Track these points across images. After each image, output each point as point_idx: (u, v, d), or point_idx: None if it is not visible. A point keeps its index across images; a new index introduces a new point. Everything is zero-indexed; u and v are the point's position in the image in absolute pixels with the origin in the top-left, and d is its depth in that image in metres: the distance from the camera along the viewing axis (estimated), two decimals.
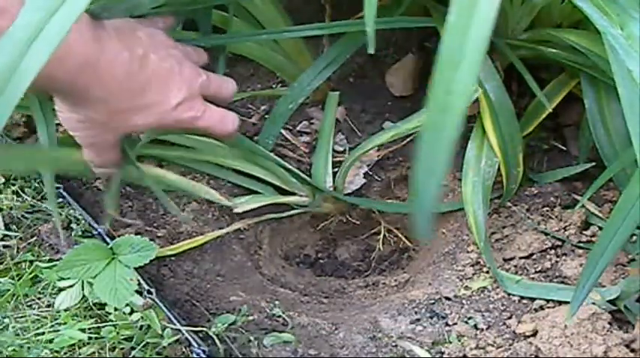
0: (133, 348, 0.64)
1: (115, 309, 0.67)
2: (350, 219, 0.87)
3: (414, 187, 0.42)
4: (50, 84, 0.55)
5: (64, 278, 0.67)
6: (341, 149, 0.88)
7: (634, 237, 0.71)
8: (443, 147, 0.42)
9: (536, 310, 0.67)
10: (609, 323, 0.62)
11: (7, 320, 0.66)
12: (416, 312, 0.70)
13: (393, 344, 0.66)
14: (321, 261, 0.89)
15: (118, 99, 0.59)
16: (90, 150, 0.63)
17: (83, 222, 0.77)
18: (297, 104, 0.80)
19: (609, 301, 0.64)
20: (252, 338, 0.65)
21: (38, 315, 0.68)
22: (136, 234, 0.78)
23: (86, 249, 0.66)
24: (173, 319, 0.66)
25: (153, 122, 0.61)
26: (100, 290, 0.63)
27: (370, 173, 0.88)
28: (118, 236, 0.75)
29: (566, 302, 0.66)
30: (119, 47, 0.58)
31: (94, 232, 0.74)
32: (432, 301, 0.71)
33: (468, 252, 0.76)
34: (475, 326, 0.67)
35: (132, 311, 0.67)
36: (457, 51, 0.43)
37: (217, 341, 0.65)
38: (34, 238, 0.77)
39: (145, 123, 0.61)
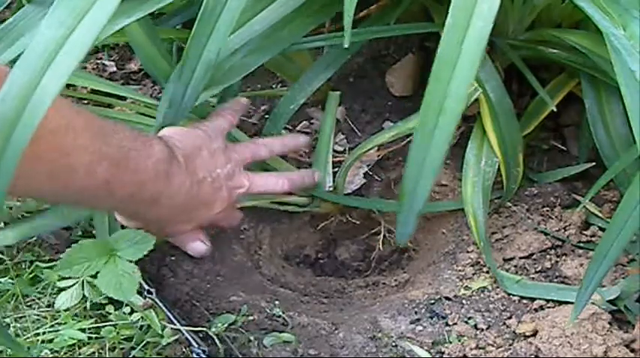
0: (133, 348, 0.64)
1: (115, 309, 0.67)
2: (350, 219, 0.87)
3: (403, 188, 0.42)
4: (115, 208, 0.65)
5: (64, 278, 0.66)
6: (341, 149, 0.88)
7: (634, 237, 0.71)
8: (436, 150, 0.42)
9: (536, 310, 0.67)
10: (609, 323, 0.62)
11: (7, 320, 0.66)
12: (416, 312, 0.70)
13: (393, 344, 0.66)
14: (321, 261, 0.89)
15: (169, 217, 0.67)
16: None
17: (83, 222, 0.77)
18: (299, 105, 0.81)
19: (609, 301, 0.64)
20: (252, 338, 0.65)
21: (38, 315, 0.68)
22: None
23: (84, 246, 0.66)
24: (173, 319, 0.66)
25: (192, 226, 0.70)
26: (104, 286, 0.63)
27: (370, 173, 0.88)
28: None
29: (567, 303, 0.66)
30: (184, 178, 0.63)
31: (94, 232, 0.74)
32: (432, 301, 0.71)
33: (468, 252, 0.75)
34: (475, 326, 0.67)
35: (132, 311, 0.67)
36: (454, 52, 0.43)
37: (217, 341, 0.65)
38: (34, 238, 0.77)
39: (186, 229, 0.70)
